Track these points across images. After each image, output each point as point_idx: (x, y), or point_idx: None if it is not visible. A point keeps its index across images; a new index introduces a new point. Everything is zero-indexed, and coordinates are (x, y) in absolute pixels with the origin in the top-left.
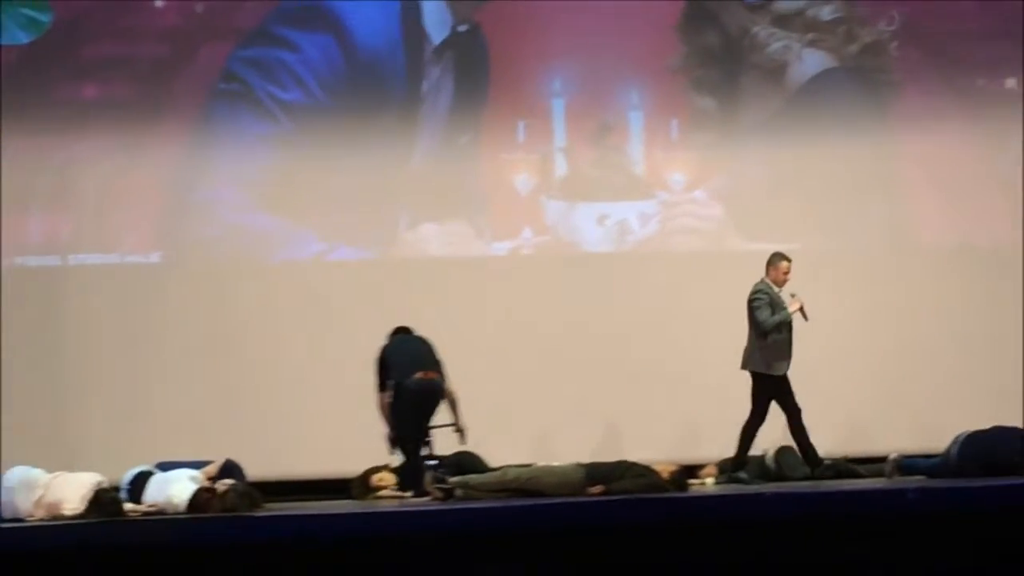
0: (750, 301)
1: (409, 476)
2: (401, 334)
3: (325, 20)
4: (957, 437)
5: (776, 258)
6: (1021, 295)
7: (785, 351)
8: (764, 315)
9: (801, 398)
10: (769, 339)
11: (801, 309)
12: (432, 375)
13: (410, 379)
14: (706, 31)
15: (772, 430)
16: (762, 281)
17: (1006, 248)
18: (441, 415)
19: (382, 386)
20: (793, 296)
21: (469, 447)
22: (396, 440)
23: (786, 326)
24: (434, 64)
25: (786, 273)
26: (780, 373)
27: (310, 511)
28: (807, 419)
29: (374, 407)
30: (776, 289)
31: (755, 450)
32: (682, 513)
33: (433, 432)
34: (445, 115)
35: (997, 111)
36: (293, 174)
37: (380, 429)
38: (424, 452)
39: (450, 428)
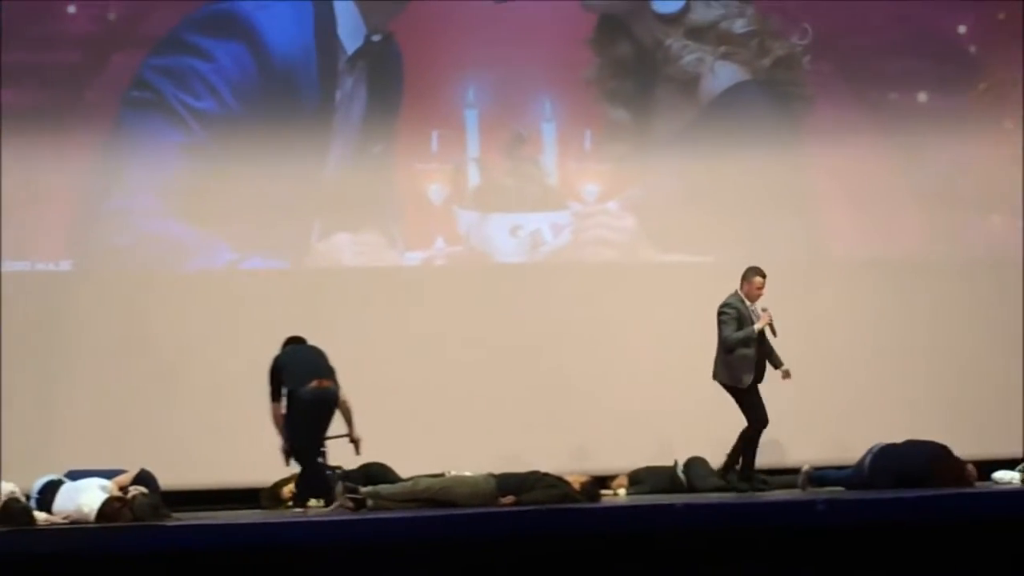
0: (718, 314)
1: (308, 485)
2: (294, 344)
3: (238, 29)
4: (870, 449)
5: (750, 273)
6: (933, 308)
7: (749, 365)
8: (728, 331)
9: (713, 410)
10: (735, 353)
11: (770, 324)
12: (327, 383)
13: (304, 388)
14: (619, 43)
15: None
16: (735, 294)
17: (918, 261)
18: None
19: (275, 396)
20: (764, 311)
21: (380, 457)
22: (291, 451)
23: (753, 340)
24: (348, 73)
25: (759, 288)
26: (743, 386)
27: (219, 521)
28: (721, 430)
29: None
30: (748, 304)
31: (667, 461)
32: (593, 524)
33: (328, 442)
34: (358, 124)
35: (909, 125)
36: (205, 183)
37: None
38: (320, 461)
39: (344, 439)
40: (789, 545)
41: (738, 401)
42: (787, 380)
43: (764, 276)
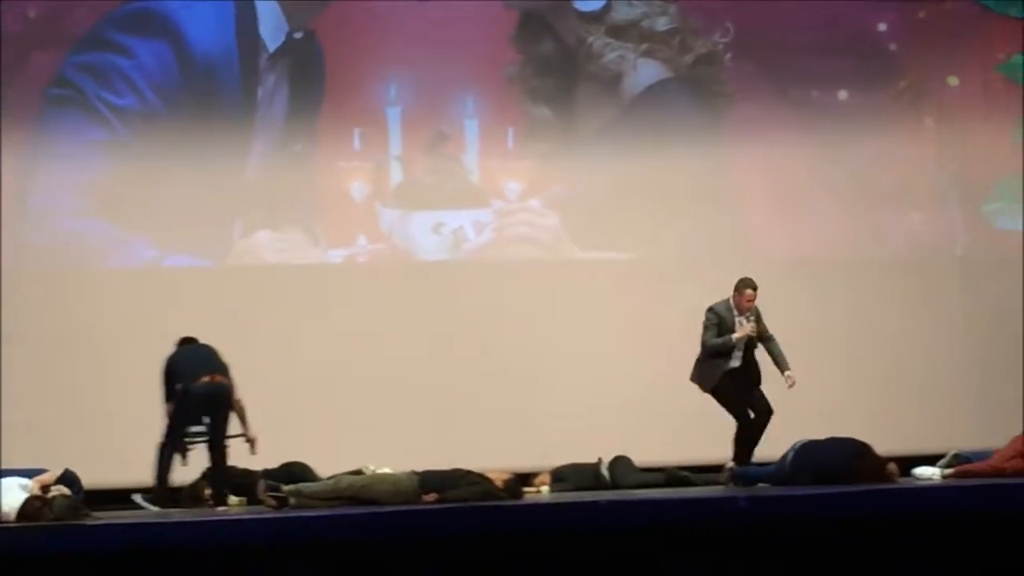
0: (705, 317)
1: (159, 484)
2: (186, 344)
3: (160, 26)
4: (793, 446)
5: (741, 284)
6: (854, 304)
7: (718, 372)
8: (707, 336)
9: (639, 409)
10: (709, 359)
11: (752, 335)
12: (219, 378)
13: (197, 383)
14: (542, 41)
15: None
16: (725, 301)
17: (839, 258)
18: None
19: (168, 396)
20: (747, 321)
21: (302, 455)
22: (169, 443)
23: (731, 349)
24: (269, 71)
25: (749, 300)
26: (706, 390)
27: (141, 520)
28: (642, 429)
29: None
30: (735, 314)
31: (590, 457)
32: (516, 521)
33: (229, 441)
34: (280, 122)
35: (830, 122)
36: (127, 180)
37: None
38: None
39: (240, 438)
40: (711, 541)
41: (718, 402)
42: (792, 387)
43: (755, 288)
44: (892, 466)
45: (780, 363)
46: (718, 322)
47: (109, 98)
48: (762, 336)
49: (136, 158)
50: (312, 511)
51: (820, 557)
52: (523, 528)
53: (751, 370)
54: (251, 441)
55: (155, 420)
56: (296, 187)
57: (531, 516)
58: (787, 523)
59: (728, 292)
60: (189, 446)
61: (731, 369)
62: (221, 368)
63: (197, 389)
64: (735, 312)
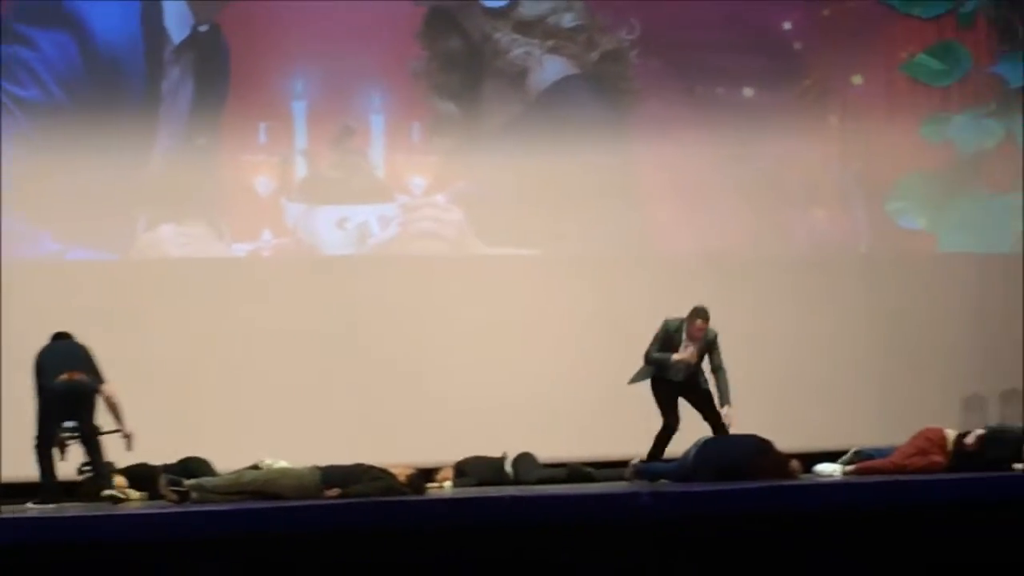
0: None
1: (44, 483)
2: (58, 339)
3: (64, 18)
4: (696, 442)
5: (693, 312)
6: (758, 301)
7: (645, 377)
8: (650, 347)
9: (543, 404)
10: (646, 365)
11: (688, 363)
12: (77, 376)
13: (56, 381)
14: (448, 36)
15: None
16: (681, 320)
17: (743, 255)
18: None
19: (38, 392)
20: (688, 348)
21: (203, 450)
22: (42, 442)
23: (667, 368)
24: (174, 64)
25: (698, 330)
26: (628, 384)
27: (36, 514)
28: (546, 424)
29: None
30: (684, 337)
31: (494, 452)
32: (419, 517)
33: (103, 437)
34: (185, 116)
35: (735, 120)
36: (30, 172)
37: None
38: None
39: (116, 434)
40: (615, 537)
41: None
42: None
43: (705, 319)
44: (795, 463)
45: (722, 396)
46: (663, 337)
47: (12, 89)
48: (713, 365)
49: (39, 150)
50: (214, 505)
51: (723, 553)
52: (425, 523)
53: (697, 392)
54: (127, 437)
55: None
56: (201, 181)
57: (434, 511)
58: (690, 519)
59: (632, 287)
60: (67, 441)
61: (667, 380)
62: (82, 365)
63: (56, 386)
64: (684, 335)
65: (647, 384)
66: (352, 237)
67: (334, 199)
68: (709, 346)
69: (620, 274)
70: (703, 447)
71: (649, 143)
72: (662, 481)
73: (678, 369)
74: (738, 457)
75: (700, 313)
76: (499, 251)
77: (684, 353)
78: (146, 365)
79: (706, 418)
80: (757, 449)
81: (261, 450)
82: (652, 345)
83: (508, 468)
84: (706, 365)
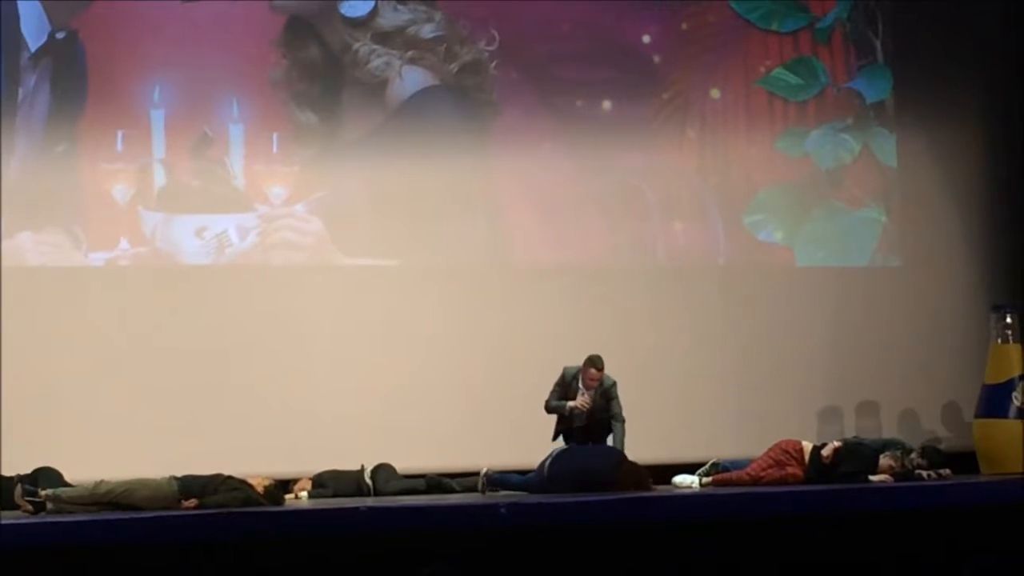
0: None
1: None
2: None
3: None
4: (551, 452)
5: (587, 361)
6: (616, 314)
7: (558, 428)
8: (550, 397)
9: (402, 415)
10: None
11: (583, 410)
12: None
13: None
14: (307, 45)
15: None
16: (578, 368)
17: (601, 267)
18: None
19: None
20: (583, 395)
21: (55, 461)
22: None
23: (565, 416)
24: (30, 71)
25: (591, 379)
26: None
27: None
28: (405, 435)
29: None
30: (580, 385)
31: (353, 465)
32: (276, 527)
33: None
34: (42, 123)
35: (594, 132)
36: None
37: None
38: None
39: None
40: (473, 548)
41: None
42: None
43: (599, 368)
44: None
45: (616, 446)
46: (562, 384)
47: None
48: (610, 414)
49: None
50: (70, 516)
51: (580, 564)
52: (282, 534)
53: (580, 435)
54: None
55: None
56: (58, 188)
57: (290, 522)
58: (548, 530)
59: (490, 299)
60: None
61: (572, 429)
62: None
63: None
64: (580, 383)
65: (507, 396)
66: (211, 247)
67: (193, 208)
68: (606, 395)
69: (478, 285)
70: (557, 458)
71: (508, 155)
72: (518, 492)
73: (577, 416)
74: (593, 469)
75: (593, 362)
76: (358, 262)
77: (579, 400)
78: (2, 374)
79: None
80: (612, 461)
81: (119, 460)
82: (552, 394)
83: (367, 479)
84: None
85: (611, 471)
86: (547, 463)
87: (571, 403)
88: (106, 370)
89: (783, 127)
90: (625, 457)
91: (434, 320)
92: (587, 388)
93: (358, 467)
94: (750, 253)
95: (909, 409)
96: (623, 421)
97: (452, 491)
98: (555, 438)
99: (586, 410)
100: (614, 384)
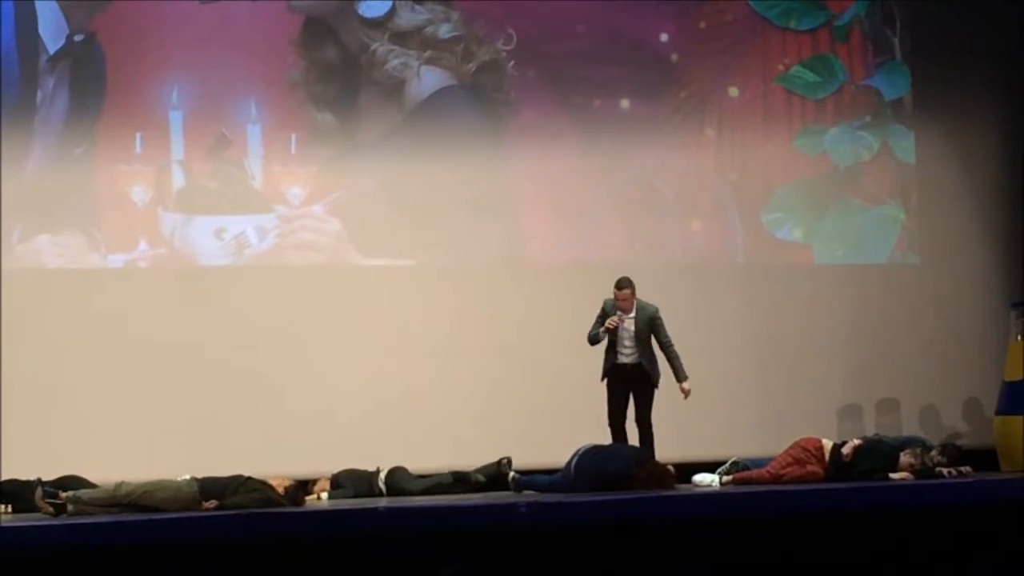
0: None
1: None
2: None
3: None
4: (576, 451)
5: (615, 286)
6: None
7: (605, 366)
8: (590, 330)
9: (417, 413)
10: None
11: (611, 328)
12: None
13: None
14: (325, 46)
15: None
16: (613, 299)
17: (618, 265)
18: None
19: None
20: (617, 317)
21: (79, 464)
22: None
23: (598, 341)
24: (49, 73)
25: (621, 299)
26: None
27: None
28: (422, 434)
29: None
30: (617, 310)
31: (370, 465)
32: (296, 528)
33: None
34: (60, 125)
35: (612, 131)
36: None
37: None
38: None
39: None
40: (494, 547)
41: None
42: (686, 398)
43: (622, 287)
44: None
45: (676, 373)
46: (602, 316)
47: None
48: (660, 344)
49: None
50: (91, 518)
51: (599, 563)
52: (303, 534)
53: (644, 391)
54: None
55: None
56: (76, 191)
57: (311, 522)
58: (568, 529)
59: (507, 298)
60: None
61: (619, 364)
62: None
63: None
64: (618, 310)
65: (524, 394)
66: (229, 248)
67: (211, 209)
68: (651, 324)
69: (496, 284)
70: (582, 458)
71: (525, 154)
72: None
73: (620, 339)
74: (617, 468)
75: (618, 282)
76: (376, 262)
77: (610, 320)
78: (21, 376)
79: (637, 420)
80: (635, 460)
81: (137, 461)
82: (592, 326)
83: (380, 483)
84: None
85: (634, 470)
86: (573, 461)
87: (604, 325)
88: (125, 371)
89: (801, 125)
90: (648, 456)
91: (451, 319)
92: (621, 309)
93: (374, 468)
94: (768, 251)
95: (929, 406)
96: (673, 346)
97: (478, 482)
98: (603, 378)
99: (615, 327)
100: (656, 311)
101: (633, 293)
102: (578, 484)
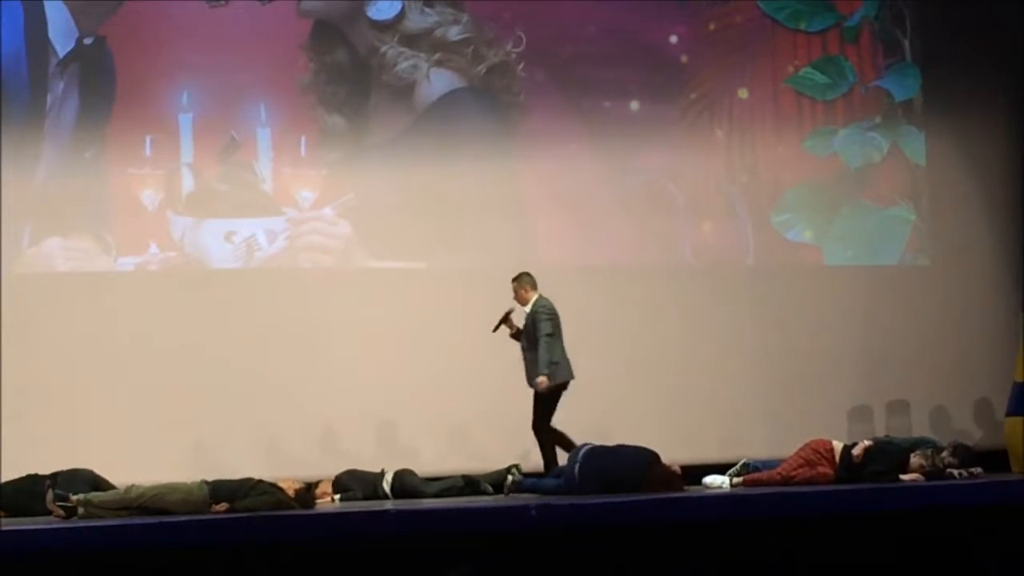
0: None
1: None
2: None
3: None
4: (575, 454)
5: None
6: (643, 313)
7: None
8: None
9: (425, 416)
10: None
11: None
12: None
13: None
14: (335, 49)
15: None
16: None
17: (629, 267)
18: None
19: None
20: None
21: (92, 465)
22: None
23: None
24: (59, 77)
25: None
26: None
27: None
28: (424, 435)
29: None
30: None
31: (377, 467)
32: (306, 530)
33: None
34: (70, 128)
35: (622, 132)
36: None
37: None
38: None
39: None
40: (503, 549)
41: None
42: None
43: (513, 281)
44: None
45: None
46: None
47: None
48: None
49: None
50: (101, 521)
51: (609, 565)
52: (313, 537)
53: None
54: None
55: None
56: (86, 194)
57: (321, 525)
58: (578, 531)
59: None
60: None
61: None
62: None
63: None
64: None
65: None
66: (240, 251)
67: (221, 212)
68: (533, 318)
69: (505, 287)
70: (587, 459)
71: (535, 156)
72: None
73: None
74: (625, 470)
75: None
76: (386, 264)
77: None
78: (32, 380)
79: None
80: (645, 462)
81: (147, 464)
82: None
83: (384, 485)
84: None
85: (641, 473)
86: (576, 465)
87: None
88: (134, 374)
89: (811, 126)
90: (657, 458)
91: (462, 321)
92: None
93: (378, 469)
94: (779, 252)
95: (939, 407)
96: (544, 337)
97: (487, 493)
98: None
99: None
100: (538, 310)
101: (521, 288)
102: (584, 487)
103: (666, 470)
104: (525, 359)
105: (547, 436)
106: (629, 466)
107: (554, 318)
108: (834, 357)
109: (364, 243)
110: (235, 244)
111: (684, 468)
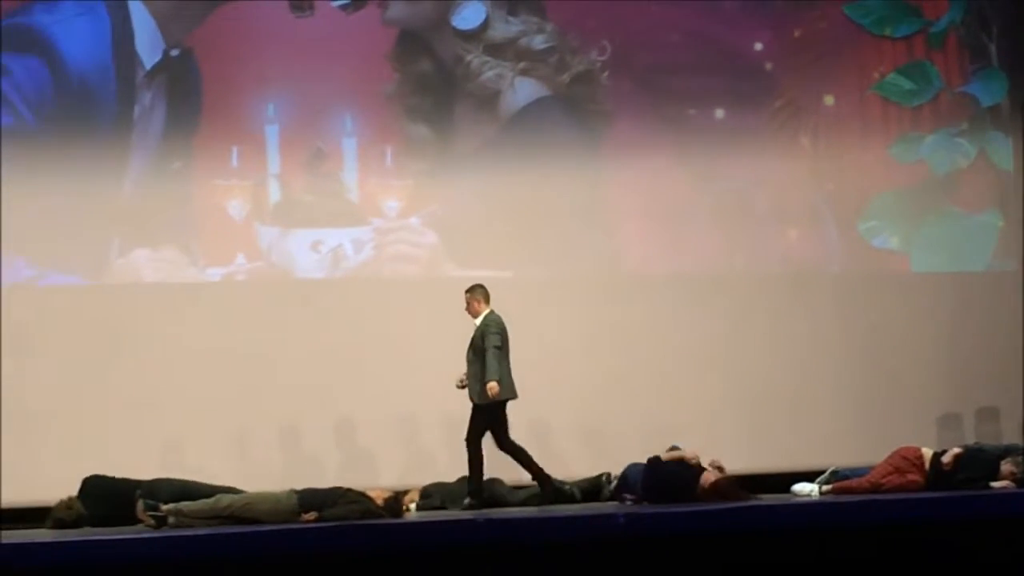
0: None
1: None
2: None
3: (35, 43)
4: (629, 473)
5: None
6: (730, 321)
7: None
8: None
9: (516, 424)
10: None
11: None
12: None
13: None
14: (420, 59)
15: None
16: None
17: (715, 275)
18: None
19: None
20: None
21: (181, 475)
22: None
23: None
24: (146, 88)
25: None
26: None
27: (10, 540)
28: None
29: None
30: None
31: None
32: (396, 540)
33: None
34: (157, 140)
35: (707, 140)
36: (4, 199)
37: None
38: None
39: None
40: (591, 557)
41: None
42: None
43: (466, 292)
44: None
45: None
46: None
47: None
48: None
49: (12, 176)
50: (191, 530)
51: (697, 572)
52: (403, 546)
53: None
54: None
55: (21, 439)
56: (174, 205)
57: (411, 534)
58: (664, 539)
59: (604, 309)
60: None
61: None
62: None
63: None
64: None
65: (623, 406)
66: (326, 260)
67: (307, 223)
68: (481, 330)
69: (592, 295)
70: (646, 475)
71: (620, 164)
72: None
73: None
74: (684, 480)
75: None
76: (473, 274)
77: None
78: (122, 390)
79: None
80: (695, 472)
81: (237, 473)
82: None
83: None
84: None
85: (698, 483)
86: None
87: None
88: (223, 383)
89: (897, 133)
90: (701, 469)
91: (549, 330)
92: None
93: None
94: (865, 259)
95: None
96: (492, 348)
97: (573, 498)
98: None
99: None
100: (488, 324)
101: (474, 299)
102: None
103: (717, 482)
104: (468, 373)
105: (512, 452)
106: (686, 477)
107: (502, 333)
108: (922, 364)
109: (450, 252)
110: (321, 254)
111: (772, 476)
